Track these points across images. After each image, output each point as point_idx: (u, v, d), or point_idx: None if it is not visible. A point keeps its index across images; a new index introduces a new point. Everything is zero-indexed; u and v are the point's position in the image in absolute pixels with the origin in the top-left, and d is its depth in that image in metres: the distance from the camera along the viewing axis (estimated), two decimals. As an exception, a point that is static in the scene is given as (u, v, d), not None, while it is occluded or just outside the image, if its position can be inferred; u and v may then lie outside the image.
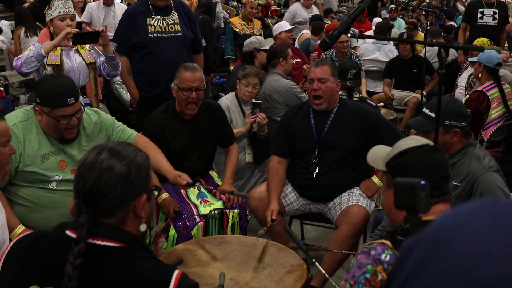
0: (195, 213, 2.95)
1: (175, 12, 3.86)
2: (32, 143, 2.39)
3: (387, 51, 6.57)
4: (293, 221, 3.39)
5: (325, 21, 8.39)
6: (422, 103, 4.98)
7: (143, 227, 1.43)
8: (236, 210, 3.03)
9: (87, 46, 3.50)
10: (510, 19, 7.68)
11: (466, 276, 0.59)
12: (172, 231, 2.88)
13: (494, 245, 0.60)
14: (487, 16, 6.74)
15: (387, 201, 1.72)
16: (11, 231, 2.26)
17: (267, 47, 4.60)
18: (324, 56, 5.62)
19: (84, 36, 3.27)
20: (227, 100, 3.94)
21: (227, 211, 3.01)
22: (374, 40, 6.77)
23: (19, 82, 6.23)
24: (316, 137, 3.07)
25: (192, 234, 2.86)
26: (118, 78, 4.91)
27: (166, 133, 3.10)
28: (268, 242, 2.54)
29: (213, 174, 3.40)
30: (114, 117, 2.78)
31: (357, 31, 7.42)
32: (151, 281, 1.30)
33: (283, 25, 5.58)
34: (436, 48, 2.40)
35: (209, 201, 3.07)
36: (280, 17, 9.79)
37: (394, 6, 12.16)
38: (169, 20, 3.82)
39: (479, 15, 6.76)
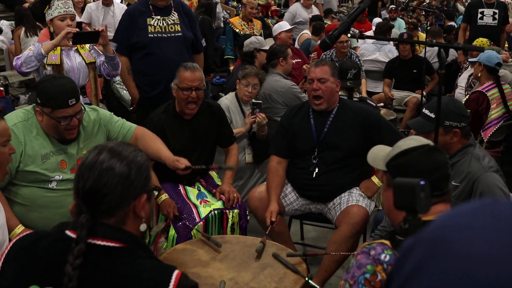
0: (195, 213, 2.95)
1: (175, 12, 3.86)
2: (32, 143, 2.39)
3: (387, 52, 6.57)
4: (293, 221, 3.39)
5: (325, 21, 8.39)
6: (422, 103, 4.98)
7: (143, 227, 1.43)
8: (236, 210, 3.03)
9: (87, 46, 3.50)
10: (510, 19, 7.68)
11: (466, 276, 0.59)
12: (172, 231, 2.88)
13: (494, 245, 0.60)
14: (487, 16, 6.74)
15: (387, 201, 1.73)
16: (10, 231, 2.27)
17: (267, 47, 4.60)
18: (324, 56, 5.62)
19: (84, 36, 3.27)
20: (227, 100, 3.94)
21: (227, 211, 3.01)
22: (374, 40, 6.77)
23: (19, 82, 6.23)
24: (316, 137, 3.07)
25: (192, 234, 2.86)
26: (118, 78, 4.91)
27: (166, 133, 3.10)
28: (268, 242, 2.55)
29: (213, 174, 3.40)
30: (113, 116, 2.78)
31: (357, 31, 7.42)
32: (151, 281, 1.30)
33: (283, 25, 5.58)
34: (436, 48, 2.40)
35: (209, 201, 3.07)
36: (280, 17, 9.80)
37: (394, 6, 12.17)
38: (169, 20, 3.82)
39: (479, 15, 6.76)
